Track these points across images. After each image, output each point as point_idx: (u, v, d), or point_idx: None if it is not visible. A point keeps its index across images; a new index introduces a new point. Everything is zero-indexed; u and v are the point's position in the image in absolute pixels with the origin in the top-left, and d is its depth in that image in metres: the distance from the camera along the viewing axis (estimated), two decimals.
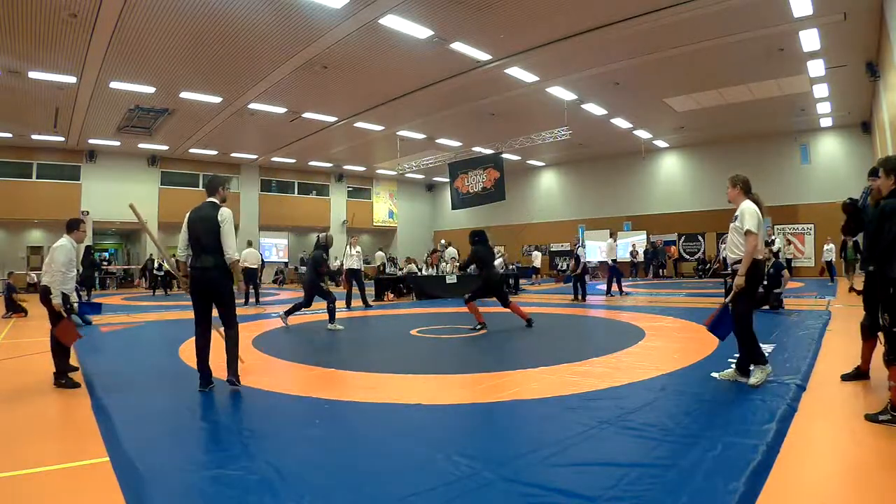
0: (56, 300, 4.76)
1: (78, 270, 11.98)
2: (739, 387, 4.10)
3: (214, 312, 4.47)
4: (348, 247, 12.33)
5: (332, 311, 8.29)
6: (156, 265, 18.95)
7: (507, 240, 27.05)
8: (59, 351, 4.80)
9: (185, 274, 4.48)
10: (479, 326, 7.77)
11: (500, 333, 7.61)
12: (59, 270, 4.78)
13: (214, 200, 4.46)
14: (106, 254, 24.85)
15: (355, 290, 12.15)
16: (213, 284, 4.31)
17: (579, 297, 12.46)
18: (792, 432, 3.08)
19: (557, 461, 2.72)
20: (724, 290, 11.20)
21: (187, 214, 4.48)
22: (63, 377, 4.76)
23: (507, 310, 8.11)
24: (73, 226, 5.18)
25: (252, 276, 13.22)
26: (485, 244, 8.32)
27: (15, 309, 11.07)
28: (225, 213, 4.34)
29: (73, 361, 5.25)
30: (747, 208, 4.12)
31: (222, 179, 4.65)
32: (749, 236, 4.01)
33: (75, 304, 5.10)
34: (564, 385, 4.32)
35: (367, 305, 11.99)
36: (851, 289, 11.29)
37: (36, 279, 12.28)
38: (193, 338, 4.46)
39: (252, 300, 13.26)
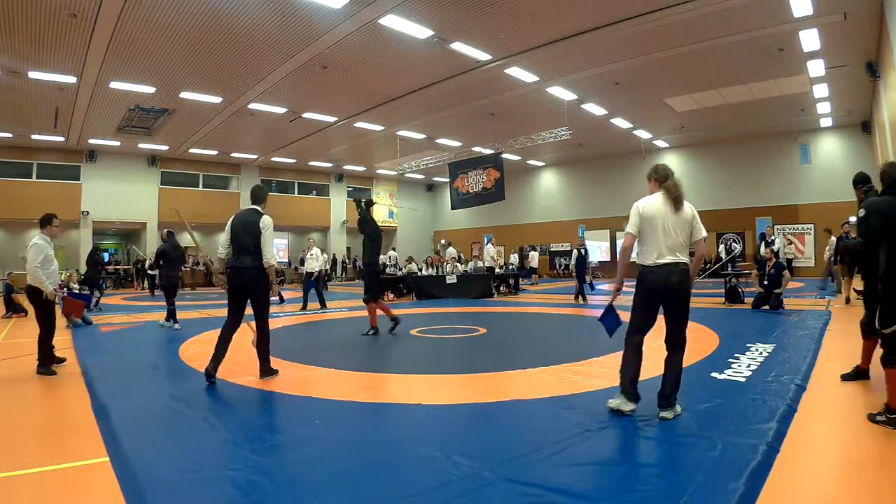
0: (48, 289, 5.04)
1: (77, 270, 11.96)
2: (739, 387, 4.10)
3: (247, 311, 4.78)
4: (307, 249, 12.12)
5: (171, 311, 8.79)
6: (191, 262, 19.26)
7: (508, 240, 27.07)
8: (43, 348, 5.13)
9: (222, 271, 4.82)
10: (371, 331, 7.50)
11: (501, 333, 7.61)
12: (34, 267, 5.02)
13: (258, 208, 4.83)
14: (106, 253, 24.84)
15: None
16: (248, 284, 4.65)
17: (580, 298, 12.20)
18: (792, 432, 3.08)
19: (557, 461, 2.72)
20: (723, 291, 11.23)
21: (231, 218, 4.86)
22: (43, 365, 5.11)
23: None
24: (45, 221, 5.37)
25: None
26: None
27: (15, 309, 11.07)
28: (266, 221, 4.70)
29: (73, 363, 5.28)
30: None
31: (267, 191, 5.05)
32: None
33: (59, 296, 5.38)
34: (564, 385, 4.32)
35: (303, 309, 11.57)
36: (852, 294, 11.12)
37: None
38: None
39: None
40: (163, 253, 9.03)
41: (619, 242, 23.83)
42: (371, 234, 7.56)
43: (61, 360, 5.31)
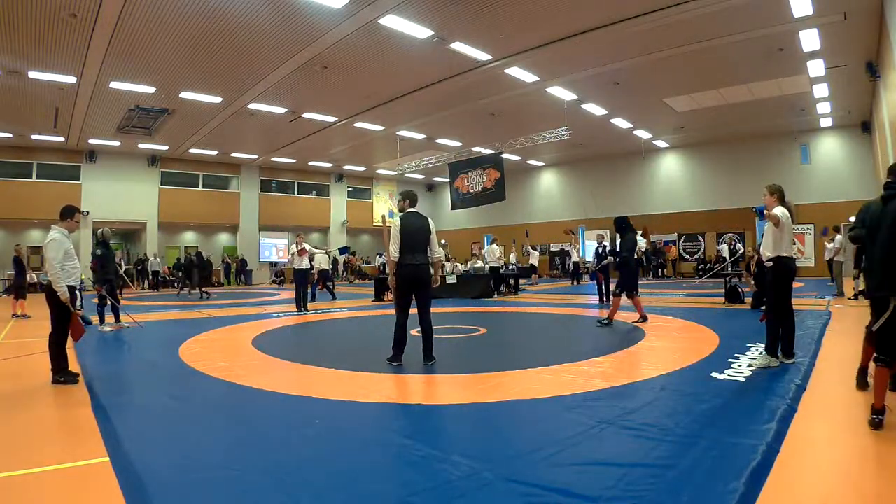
0: (65, 295, 4.70)
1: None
2: (739, 387, 4.10)
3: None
4: (294, 245, 11.48)
5: (101, 314, 8.71)
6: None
7: (508, 240, 27.02)
8: (57, 351, 4.81)
9: (394, 271, 5.32)
10: (606, 321, 7.88)
11: (501, 333, 7.61)
12: (55, 268, 4.69)
13: (419, 211, 5.44)
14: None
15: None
16: (423, 277, 5.30)
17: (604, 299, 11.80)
18: (792, 432, 3.08)
19: (557, 461, 2.72)
20: (723, 291, 11.22)
21: (400, 223, 5.31)
22: (62, 374, 4.77)
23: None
24: (66, 213, 4.95)
25: (324, 276, 14.75)
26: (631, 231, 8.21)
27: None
28: (432, 223, 5.41)
29: (73, 364, 5.24)
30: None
31: (416, 195, 5.57)
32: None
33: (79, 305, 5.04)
34: (564, 385, 4.32)
35: (301, 310, 11.05)
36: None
37: (36, 279, 12.31)
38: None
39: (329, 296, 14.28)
40: (103, 256, 8.70)
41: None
42: (622, 225, 8.13)
43: (75, 375, 4.88)
